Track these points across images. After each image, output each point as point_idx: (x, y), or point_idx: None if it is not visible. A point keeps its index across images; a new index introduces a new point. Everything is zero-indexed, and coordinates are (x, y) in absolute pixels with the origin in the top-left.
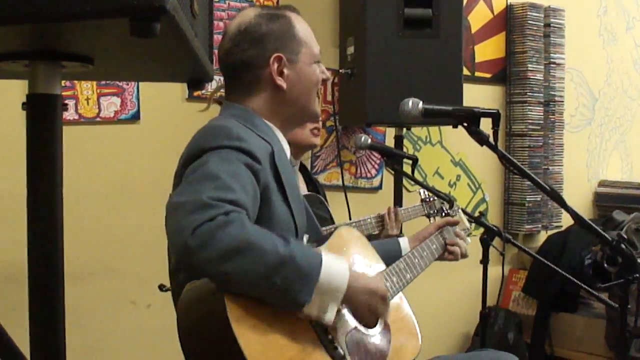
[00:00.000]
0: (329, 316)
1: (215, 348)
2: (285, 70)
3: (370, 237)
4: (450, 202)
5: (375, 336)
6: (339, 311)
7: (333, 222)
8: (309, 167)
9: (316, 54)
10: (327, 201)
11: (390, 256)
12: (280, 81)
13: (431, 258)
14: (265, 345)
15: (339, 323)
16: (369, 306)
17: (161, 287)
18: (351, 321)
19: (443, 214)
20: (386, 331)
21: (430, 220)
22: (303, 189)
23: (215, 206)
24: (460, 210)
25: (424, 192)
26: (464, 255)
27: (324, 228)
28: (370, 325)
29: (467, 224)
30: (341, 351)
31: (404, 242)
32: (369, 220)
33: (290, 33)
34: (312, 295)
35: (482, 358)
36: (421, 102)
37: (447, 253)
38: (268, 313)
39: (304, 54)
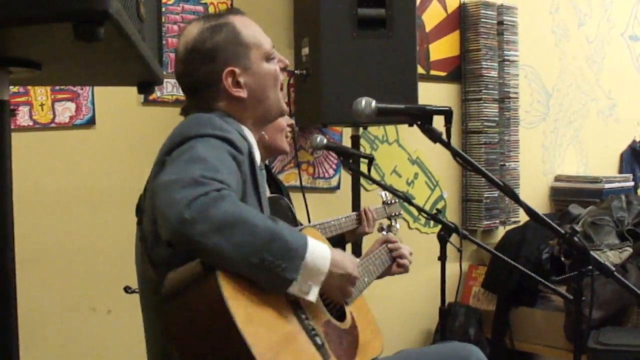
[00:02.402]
0: (311, 297)
1: (208, 328)
2: (242, 79)
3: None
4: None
5: (346, 330)
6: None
7: (296, 225)
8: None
9: (268, 50)
10: (291, 202)
11: None
12: (239, 92)
13: (382, 267)
14: (259, 323)
15: (315, 313)
16: (341, 289)
17: (127, 289)
18: (325, 313)
19: (384, 229)
20: (354, 327)
21: (391, 222)
22: (267, 191)
23: (207, 183)
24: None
25: (385, 194)
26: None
27: (316, 224)
28: (336, 303)
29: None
30: (319, 340)
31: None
32: (347, 217)
33: (236, 41)
34: (299, 272)
35: (445, 349)
36: (374, 101)
37: (397, 266)
38: (257, 294)
39: (255, 56)
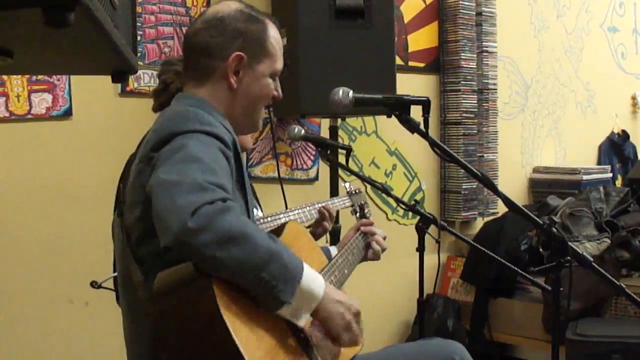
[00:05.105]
0: (301, 323)
1: (200, 334)
2: (242, 72)
3: None
4: (361, 206)
5: None
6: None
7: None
8: (244, 160)
9: (276, 69)
10: (255, 193)
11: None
12: (234, 80)
13: (360, 256)
14: (251, 332)
15: None
16: (342, 318)
17: (93, 284)
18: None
19: (358, 215)
20: None
21: (355, 214)
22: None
23: (212, 190)
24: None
25: (349, 185)
26: (383, 250)
27: (267, 217)
28: (338, 339)
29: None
30: (309, 344)
31: (333, 250)
32: (309, 209)
33: (261, 40)
34: (294, 296)
35: (430, 346)
36: (351, 91)
37: (373, 253)
38: (249, 303)
39: (265, 65)
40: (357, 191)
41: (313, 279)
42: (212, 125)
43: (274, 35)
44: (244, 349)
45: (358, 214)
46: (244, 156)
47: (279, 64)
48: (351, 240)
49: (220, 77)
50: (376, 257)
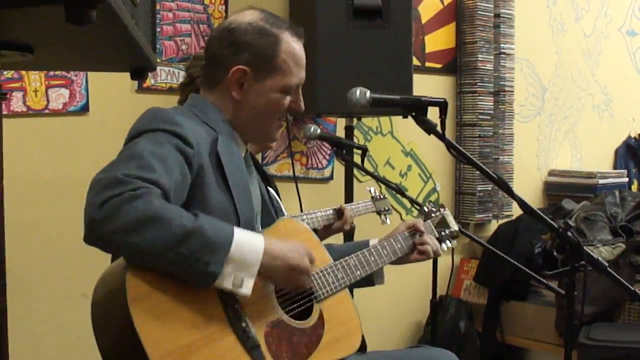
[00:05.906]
0: (245, 290)
1: (113, 328)
2: (246, 85)
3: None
4: (437, 205)
5: (304, 329)
6: (262, 298)
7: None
8: (259, 158)
9: (288, 85)
10: (278, 192)
11: None
12: (236, 92)
13: (391, 257)
14: (164, 327)
15: (260, 312)
16: (289, 280)
17: None
18: (277, 312)
19: (423, 216)
20: (319, 325)
21: (381, 217)
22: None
23: (126, 182)
24: (447, 212)
25: (374, 189)
26: (436, 253)
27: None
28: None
29: (455, 226)
30: (253, 340)
31: (373, 242)
32: (324, 213)
33: (270, 55)
34: (223, 266)
35: (415, 355)
36: (369, 91)
37: (418, 253)
38: (175, 295)
39: (274, 80)
40: (381, 197)
41: (247, 247)
42: (175, 124)
43: (288, 50)
44: (148, 344)
45: (388, 215)
46: (259, 155)
47: (293, 79)
48: (389, 240)
49: (225, 87)
50: (428, 257)
